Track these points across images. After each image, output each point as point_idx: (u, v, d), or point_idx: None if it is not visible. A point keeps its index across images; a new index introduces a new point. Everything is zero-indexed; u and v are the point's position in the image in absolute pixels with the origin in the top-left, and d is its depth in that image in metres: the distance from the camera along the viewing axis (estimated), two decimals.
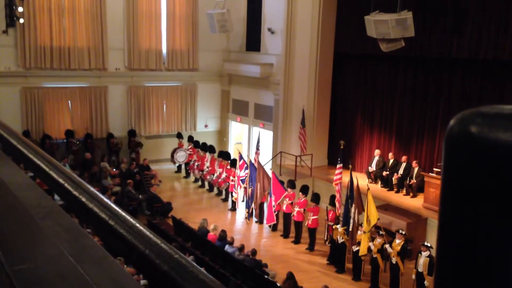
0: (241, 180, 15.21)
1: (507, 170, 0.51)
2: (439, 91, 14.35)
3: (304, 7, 16.54)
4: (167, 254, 0.90)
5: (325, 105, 17.37)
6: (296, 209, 13.26)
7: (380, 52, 12.84)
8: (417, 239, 11.96)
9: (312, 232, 13.00)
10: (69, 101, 18.20)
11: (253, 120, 19.83)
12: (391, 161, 15.25)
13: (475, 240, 0.54)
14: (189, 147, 18.76)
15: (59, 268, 1.28)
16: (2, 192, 1.93)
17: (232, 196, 15.86)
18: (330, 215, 12.69)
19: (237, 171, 15.35)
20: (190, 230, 12.54)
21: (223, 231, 12.02)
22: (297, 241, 13.36)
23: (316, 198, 13.24)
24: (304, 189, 13.45)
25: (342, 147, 13.26)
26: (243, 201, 15.55)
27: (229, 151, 19.12)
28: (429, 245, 10.33)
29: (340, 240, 11.79)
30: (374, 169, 15.53)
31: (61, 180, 1.38)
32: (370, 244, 10.95)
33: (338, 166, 13.17)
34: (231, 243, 11.65)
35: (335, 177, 13.27)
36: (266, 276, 9.80)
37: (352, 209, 11.65)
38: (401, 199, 14.19)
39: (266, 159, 16.84)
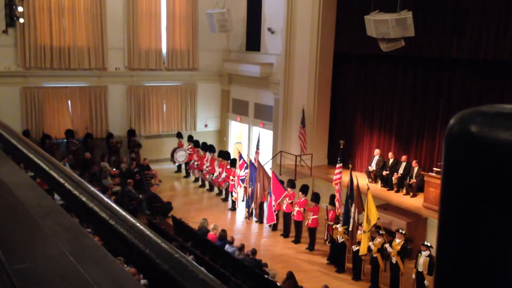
0: (241, 180, 15.21)
1: (507, 169, 0.51)
2: (439, 91, 14.34)
3: (304, 7, 16.53)
4: (167, 253, 0.90)
5: (325, 104, 17.37)
6: (296, 208, 13.27)
7: (380, 52, 12.84)
8: (417, 238, 11.97)
9: (312, 231, 13.00)
10: (69, 101, 18.20)
11: (253, 119, 19.82)
12: (391, 160, 15.25)
13: (475, 240, 0.54)
14: (189, 147, 18.76)
15: (59, 267, 1.28)
16: (2, 192, 1.93)
17: (232, 196, 15.86)
18: (330, 214, 12.69)
19: (237, 170, 15.36)
20: (190, 230, 12.54)
21: (223, 231, 12.02)
22: (297, 240, 13.36)
23: (316, 198, 13.24)
24: (304, 189, 13.45)
25: (342, 146, 13.27)
26: (243, 200, 15.55)
27: (229, 150, 19.11)
28: (429, 244, 10.33)
29: (340, 240, 11.79)
30: (374, 168, 15.53)
31: (61, 180, 1.38)
32: (370, 243, 10.95)
33: (338, 165, 13.17)
34: (231, 243, 11.65)
35: (335, 177, 13.27)
36: (266, 276, 9.80)
37: (352, 209, 11.65)
38: (401, 198, 14.19)
39: (266, 158, 16.84)
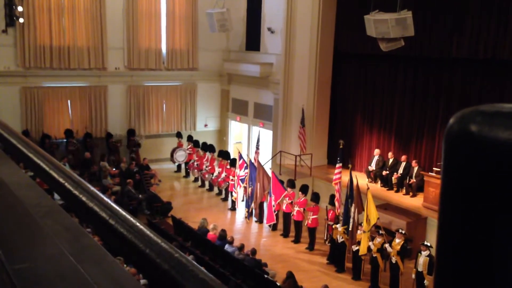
0: (241, 180, 15.21)
1: (507, 168, 0.51)
2: (439, 91, 14.34)
3: (303, 7, 16.52)
4: (167, 253, 0.90)
5: (325, 104, 17.37)
6: (296, 208, 13.27)
7: (380, 51, 12.83)
8: (417, 238, 11.97)
9: (312, 231, 13.00)
10: (69, 101, 18.20)
11: (252, 119, 19.82)
12: (391, 160, 15.24)
13: (475, 240, 0.54)
14: (188, 147, 18.76)
15: (59, 267, 1.28)
16: (2, 192, 1.93)
17: (232, 196, 15.86)
18: (330, 214, 12.69)
19: (237, 170, 15.35)
20: (190, 230, 12.54)
21: (223, 231, 12.02)
22: (297, 240, 13.36)
23: (315, 198, 13.24)
24: (304, 189, 13.46)
25: (341, 146, 13.27)
26: (243, 200, 15.55)
27: (229, 150, 19.11)
28: (428, 244, 10.33)
29: (340, 240, 11.79)
30: (374, 168, 15.53)
31: (61, 180, 1.38)
32: (370, 243, 10.95)
33: (337, 165, 13.17)
34: (231, 243, 11.65)
35: (334, 177, 13.27)
36: (266, 276, 9.80)
37: (352, 209, 11.65)
38: (401, 198, 14.19)
39: (265, 158, 16.84)
